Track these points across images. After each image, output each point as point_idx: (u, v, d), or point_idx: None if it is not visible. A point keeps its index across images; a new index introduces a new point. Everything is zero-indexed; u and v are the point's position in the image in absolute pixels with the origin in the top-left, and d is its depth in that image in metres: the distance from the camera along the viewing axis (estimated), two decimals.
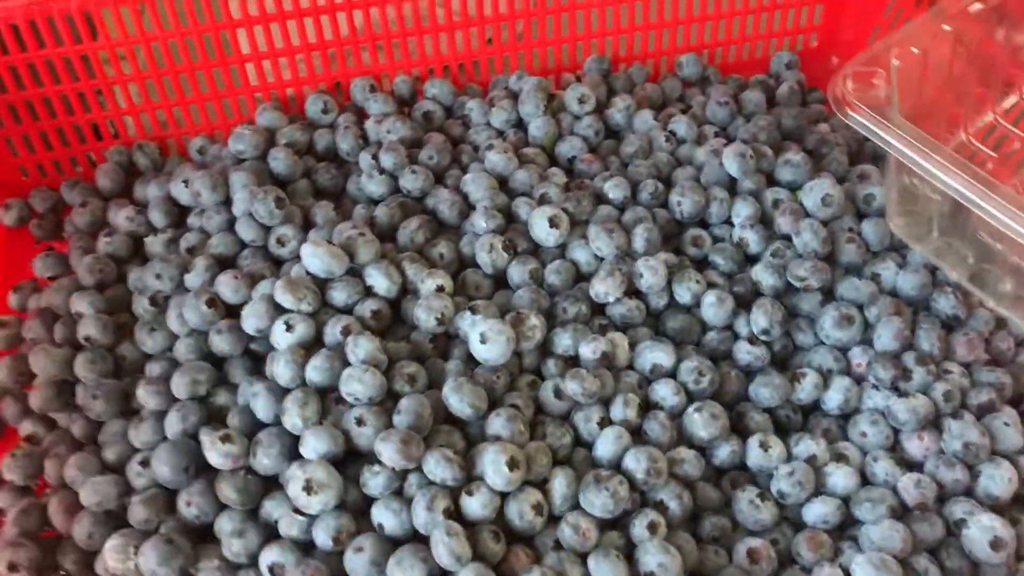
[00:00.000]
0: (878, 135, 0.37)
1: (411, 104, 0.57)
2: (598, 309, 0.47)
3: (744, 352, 0.45)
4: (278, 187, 0.50)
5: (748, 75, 0.62)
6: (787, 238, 0.48)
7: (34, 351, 0.46)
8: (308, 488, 0.38)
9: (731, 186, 0.51)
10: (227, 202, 0.50)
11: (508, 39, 0.59)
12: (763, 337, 0.45)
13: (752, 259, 0.48)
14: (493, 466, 0.38)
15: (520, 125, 0.56)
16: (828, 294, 0.47)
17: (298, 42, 0.55)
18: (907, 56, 0.39)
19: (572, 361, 0.44)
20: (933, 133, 0.38)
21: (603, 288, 0.45)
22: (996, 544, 0.38)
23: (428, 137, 0.54)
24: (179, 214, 0.51)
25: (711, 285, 0.46)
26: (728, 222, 0.50)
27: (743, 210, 0.49)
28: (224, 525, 0.40)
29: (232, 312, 0.45)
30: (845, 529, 0.41)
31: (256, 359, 0.45)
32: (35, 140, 0.56)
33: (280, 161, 0.51)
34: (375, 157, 0.52)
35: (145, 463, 0.41)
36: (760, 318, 0.45)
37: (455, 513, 0.38)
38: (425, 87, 0.57)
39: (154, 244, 0.50)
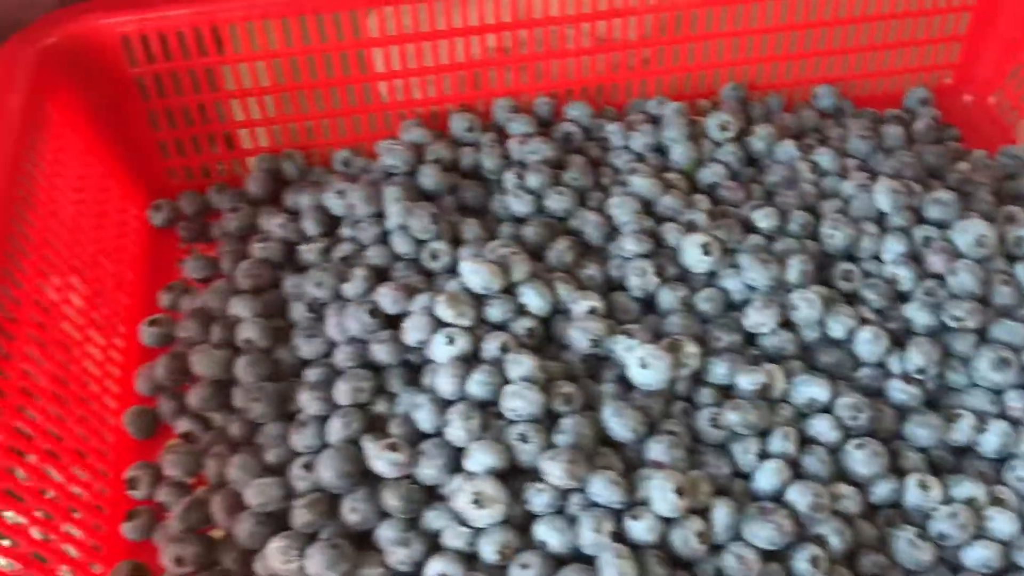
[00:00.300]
0: None
1: (550, 125, 0.58)
2: (749, 340, 0.47)
3: (898, 390, 0.45)
4: (427, 202, 0.51)
5: (880, 109, 0.61)
6: (937, 276, 0.48)
7: (195, 351, 0.47)
8: (477, 501, 0.38)
9: (880, 220, 0.50)
10: (379, 214, 0.51)
11: (649, 62, 0.59)
12: (918, 376, 0.45)
13: (902, 296, 0.48)
14: (660, 492, 0.38)
15: (659, 149, 0.56)
16: (982, 336, 0.47)
17: (446, 60, 0.56)
18: None
19: (726, 393, 0.44)
20: None
21: (759, 318, 0.46)
22: None
23: (570, 159, 0.55)
24: (329, 223, 0.53)
25: (864, 320, 0.46)
26: (876, 257, 0.50)
27: (895, 246, 0.49)
28: (386, 533, 0.40)
29: (389, 324, 0.46)
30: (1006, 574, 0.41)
31: (411, 370, 0.46)
32: (186, 144, 0.57)
33: (429, 177, 0.52)
34: (520, 176, 0.53)
35: (307, 467, 0.42)
36: (917, 356, 0.45)
37: (620, 537, 0.39)
38: (565, 109, 0.58)
39: (308, 252, 0.51)
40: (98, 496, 0.45)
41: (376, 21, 0.55)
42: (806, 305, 0.46)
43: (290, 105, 0.57)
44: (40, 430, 0.42)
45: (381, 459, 0.41)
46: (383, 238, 0.50)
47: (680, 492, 0.38)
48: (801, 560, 0.39)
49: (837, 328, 0.46)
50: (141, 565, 0.43)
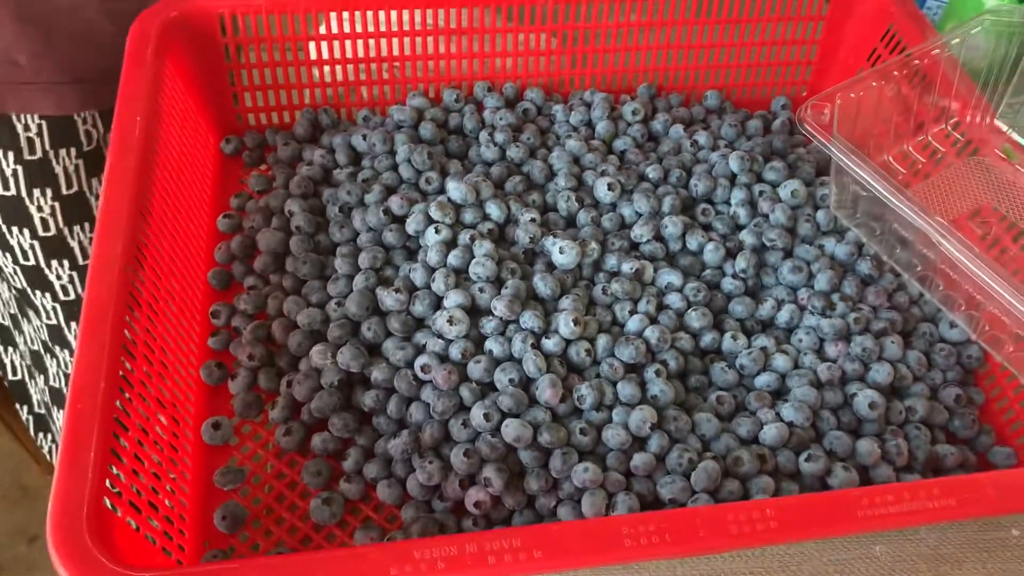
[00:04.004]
0: (821, 143, 0.60)
1: (515, 103, 0.81)
2: (634, 247, 0.70)
3: (728, 283, 0.68)
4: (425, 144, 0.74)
5: (753, 110, 0.85)
6: (765, 216, 0.72)
7: (261, 232, 0.70)
8: (450, 321, 0.61)
9: (732, 179, 0.74)
10: (391, 152, 0.74)
11: (587, 63, 0.83)
12: (741, 275, 0.68)
13: (740, 227, 0.72)
14: (564, 322, 0.61)
15: (589, 125, 0.80)
16: (788, 253, 0.70)
17: (443, 50, 0.79)
18: (846, 99, 0.62)
19: (615, 275, 0.68)
20: (865, 153, 0.61)
21: (640, 232, 0.69)
22: (872, 406, 0.61)
23: (526, 126, 0.78)
24: (355, 157, 0.75)
25: (711, 239, 0.70)
26: (727, 202, 0.73)
27: (738, 195, 0.72)
28: (390, 344, 0.63)
29: (395, 221, 0.69)
30: (781, 394, 0.64)
31: (410, 252, 0.68)
32: (251, 96, 0.79)
33: (427, 130, 0.75)
34: (491, 135, 0.76)
35: (339, 303, 0.65)
36: (741, 262, 0.68)
37: (537, 348, 0.61)
38: (526, 92, 0.81)
39: (340, 175, 0.73)
40: (193, 319, 0.67)
41: (386, 15, 0.77)
42: (672, 225, 0.69)
43: (329, 74, 0.79)
44: (167, 280, 0.64)
45: (389, 298, 0.63)
46: (394, 167, 0.73)
47: (576, 322, 0.61)
48: (650, 371, 0.62)
49: (692, 242, 0.69)
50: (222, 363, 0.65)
